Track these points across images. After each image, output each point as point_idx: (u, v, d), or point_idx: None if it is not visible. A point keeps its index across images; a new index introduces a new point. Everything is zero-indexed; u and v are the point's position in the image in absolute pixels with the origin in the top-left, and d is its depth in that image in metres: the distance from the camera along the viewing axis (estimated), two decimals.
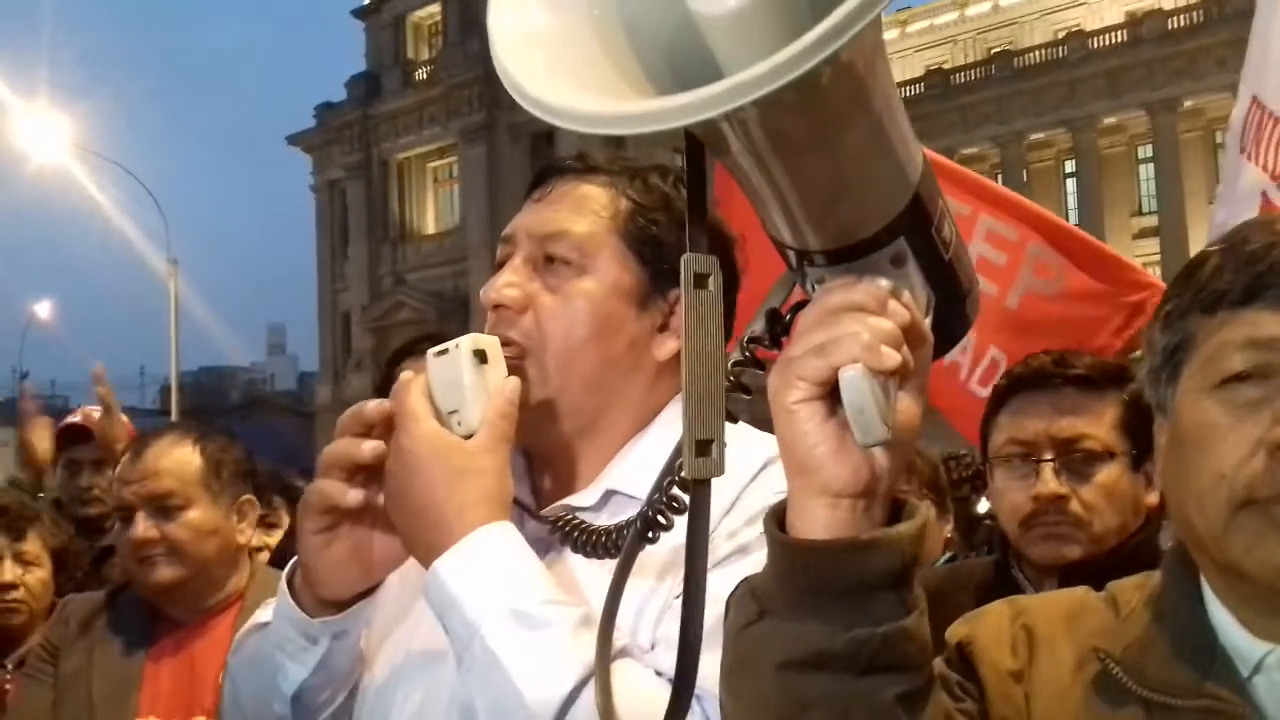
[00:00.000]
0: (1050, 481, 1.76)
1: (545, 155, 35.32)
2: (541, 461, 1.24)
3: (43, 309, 36.35)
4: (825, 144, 0.71)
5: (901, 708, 0.74)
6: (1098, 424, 1.78)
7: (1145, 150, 34.97)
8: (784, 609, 0.75)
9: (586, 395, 1.20)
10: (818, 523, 0.74)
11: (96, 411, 3.53)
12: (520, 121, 35.94)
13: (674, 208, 1.23)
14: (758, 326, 0.83)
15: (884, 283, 0.74)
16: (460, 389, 1.11)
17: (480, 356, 1.12)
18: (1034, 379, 1.83)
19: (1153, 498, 1.80)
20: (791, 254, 0.79)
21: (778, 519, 0.77)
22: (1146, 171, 35.05)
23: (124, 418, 3.53)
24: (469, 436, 1.10)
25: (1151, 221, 34.42)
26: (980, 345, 3.06)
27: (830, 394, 0.73)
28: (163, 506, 2.08)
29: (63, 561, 2.65)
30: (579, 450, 1.22)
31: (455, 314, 35.39)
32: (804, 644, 0.73)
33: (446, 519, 1.07)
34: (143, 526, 2.07)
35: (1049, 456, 1.78)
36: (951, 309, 0.83)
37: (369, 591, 1.18)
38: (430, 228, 40.39)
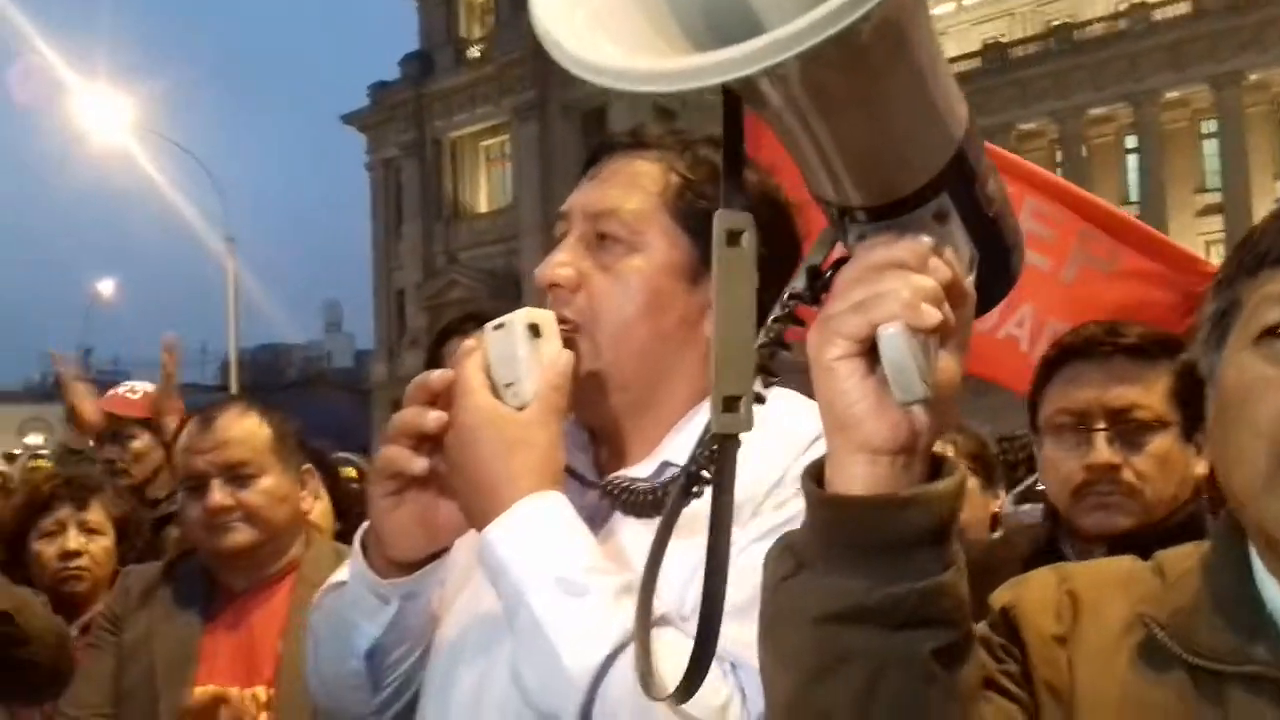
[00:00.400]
0: (1104, 451, 1.74)
1: (598, 133, 35.19)
2: (602, 435, 1.27)
3: (105, 287, 37.10)
4: (867, 99, 0.70)
5: (938, 662, 0.73)
6: (1150, 393, 1.76)
7: (1209, 125, 34.17)
8: (821, 563, 0.75)
9: (639, 370, 1.22)
10: (856, 479, 0.74)
11: (137, 388, 3.60)
12: (572, 99, 35.90)
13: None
14: (799, 284, 0.82)
15: (926, 239, 0.74)
16: (515, 362, 1.14)
17: (535, 330, 1.15)
18: (1084, 348, 1.82)
19: (1201, 468, 1.78)
20: (833, 210, 0.79)
21: (815, 475, 0.77)
22: (1210, 147, 34.23)
23: (177, 397, 3.55)
24: (523, 408, 1.13)
25: (1215, 198, 33.66)
26: (1038, 318, 3.05)
27: (869, 351, 0.73)
28: (237, 475, 2.12)
29: (124, 531, 2.70)
30: (635, 424, 1.24)
31: (507, 292, 35.52)
32: (841, 598, 0.73)
33: (498, 488, 1.11)
34: (219, 494, 2.10)
35: (1101, 426, 1.76)
36: (995, 266, 0.82)
37: (438, 554, 1.21)
38: (483, 206, 40.53)
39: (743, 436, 0.83)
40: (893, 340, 0.70)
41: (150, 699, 2.12)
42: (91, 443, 3.65)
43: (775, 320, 0.83)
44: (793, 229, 1.27)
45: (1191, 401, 1.72)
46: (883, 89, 0.70)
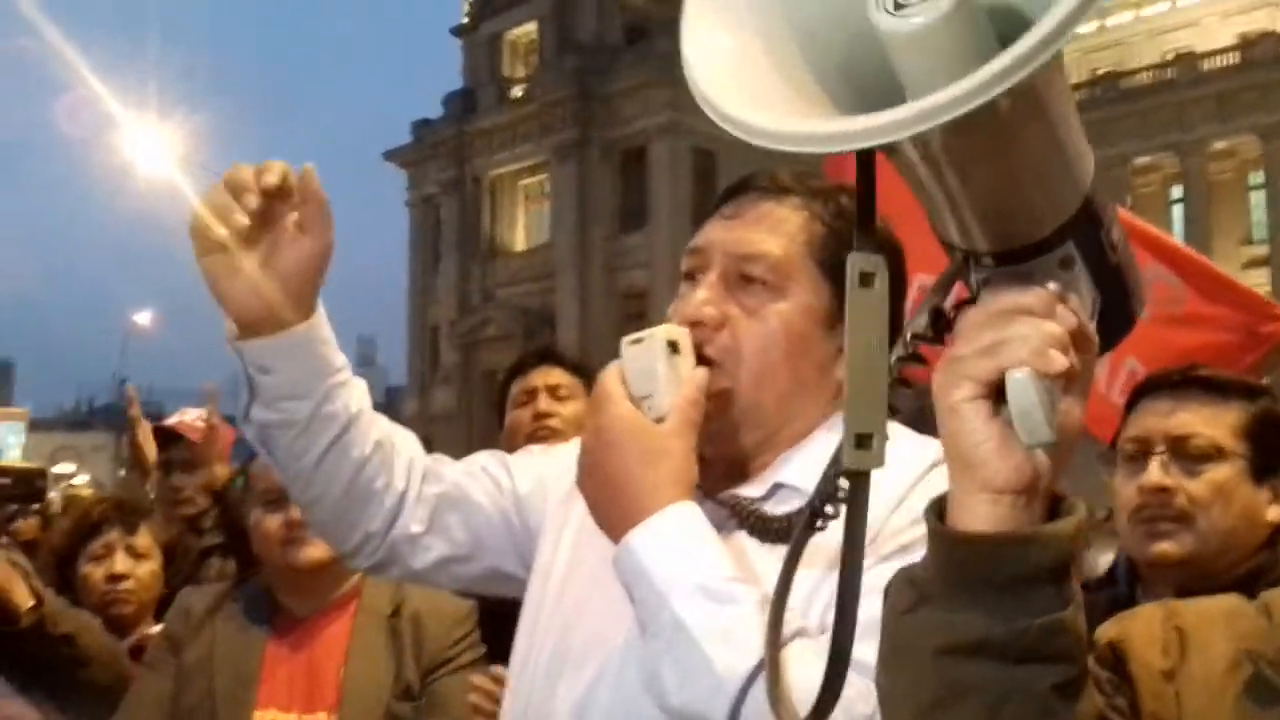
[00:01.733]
0: (1155, 473, 1.74)
1: (636, 173, 35.42)
2: (714, 457, 1.28)
3: (143, 317, 37.36)
4: (1002, 155, 0.73)
5: (1057, 697, 0.74)
6: (1215, 424, 1.75)
7: (1257, 176, 33.81)
8: (943, 598, 0.77)
9: (774, 411, 1.26)
10: (978, 517, 0.76)
11: (192, 415, 3.61)
12: (612, 139, 36.11)
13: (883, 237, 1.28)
14: (920, 322, 0.84)
15: (1052, 285, 0.76)
16: (654, 376, 1.19)
17: (673, 347, 1.20)
18: (1161, 381, 1.85)
19: (1275, 514, 1.75)
20: (958, 253, 0.80)
21: (938, 512, 0.79)
22: (1257, 198, 33.87)
23: (226, 427, 3.59)
24: (658, 421, 1.17)
25: (1263, 250, 33.23)
26: (1116, 357, 3.04)
27: (995, 393, 0.74)
28: None
29: (171, 556, 2.74)
30: (752, 457, 1.28)
31: (541, 330, 35.52)
32: (962, 632, 0.75)
33: (639, 495, 1.15)
34: (297, 509, 2.10)
35: (1160, 450, 1.76)
36: (1117, 310, 0.84)
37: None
38: (520, 244, 40.67)
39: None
40: (1021, 385, 0.72)
41: (208, 719, 2.12)
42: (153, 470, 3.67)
43: (898, 360, 0.85)
44: (903, 272, 1.29)
45: (1268, 444, 1.74)
46: (1017, 145, 0.72)
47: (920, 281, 1.75)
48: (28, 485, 2.43)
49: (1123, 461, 1.83)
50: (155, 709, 2.19)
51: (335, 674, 2.14)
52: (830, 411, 1.27)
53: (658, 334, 1.20)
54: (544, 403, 2.72)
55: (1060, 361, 0.73)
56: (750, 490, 1.24)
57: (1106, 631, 0.99)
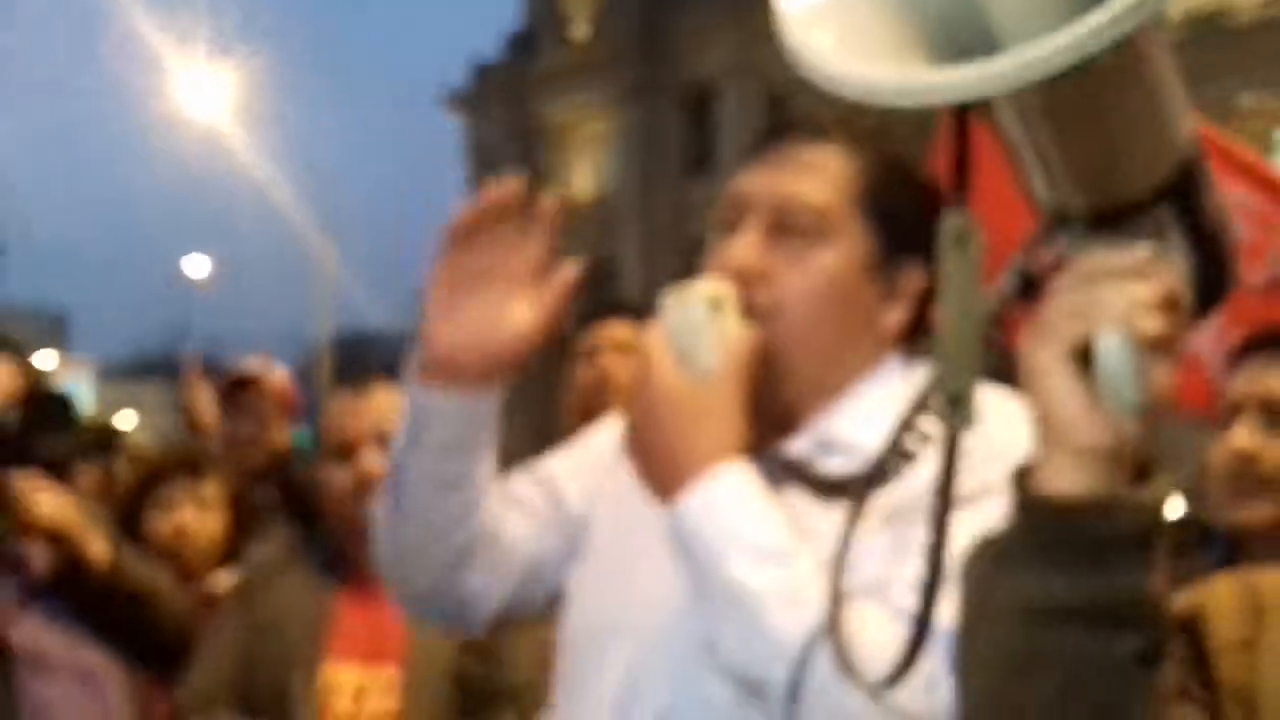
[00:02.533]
0: (1241, 436, 1.74)
1: (703, 118, 34.43)
2: (757, 411, 1.24)
3: (199, 267, 36.88)
4: (1098, 112, 0.71)
5: (1137, 664, 0.74)
6: None
7: None
8: (1024, 562, 0.76)
9: (818, 362, 1.23)
10: (1064, 480, 0.75)
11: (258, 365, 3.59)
12: (678, 82, 35.26)
13: (907, 176, 1.26)
14: (1009, 284, 0.84)
15: (1145, 249, 0.75)
16: (698, 334, 1.16)
17: (715, 304, 1.17)
18: (1254, 341, 1.84)
19: None
20: (1049, 211, 0.80)
21: (1022, 475, 0.79)
22: None
23: (287, 379, 3.61)
24: (705, 380, 1.15)
25: None
26: (1223, 332, 2.81)
27: (1083, 356, 0.74)
28: (388, 443, 2.08)
29: (238, 508, 2.77)
30: (798, 411, 1.25)
31: (604, 280, 34.82)
32: (1043, 596, 0.74)
33: (690, 458, 1.13)
34: (369, 460, 2.15)
35: (1249, 414, 1.75)
36: (1212, 277, 0.82)
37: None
38: (582, 192, 39.78)
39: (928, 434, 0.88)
40: (1110, 349, 0.72)
41: (282, 673, 2.14)
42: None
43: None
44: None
45: None
46: (1114, 103, 0.71)
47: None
48: (102, 438, 2.56)
49: (1220, 428, 1.84)
50: (228, 662, 2.23)
51: (402, 628, 2.14)
52: (876, 358, 1.26)
53: (702, 290, 1.18)
54: (608, 360, 2.67)
55: (1151, 325, 0.72)
56: (798, 445, 1.23)
57: (1183, 602, 0.98)
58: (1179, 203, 0.77)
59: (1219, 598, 0.99)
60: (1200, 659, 0.95)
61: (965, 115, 0.79)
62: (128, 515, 2.70)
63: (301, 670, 2.13)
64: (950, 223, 0.78)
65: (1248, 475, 1.72)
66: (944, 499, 0.83)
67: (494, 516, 1.32)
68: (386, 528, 1.36)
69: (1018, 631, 0.75)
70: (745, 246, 1.22)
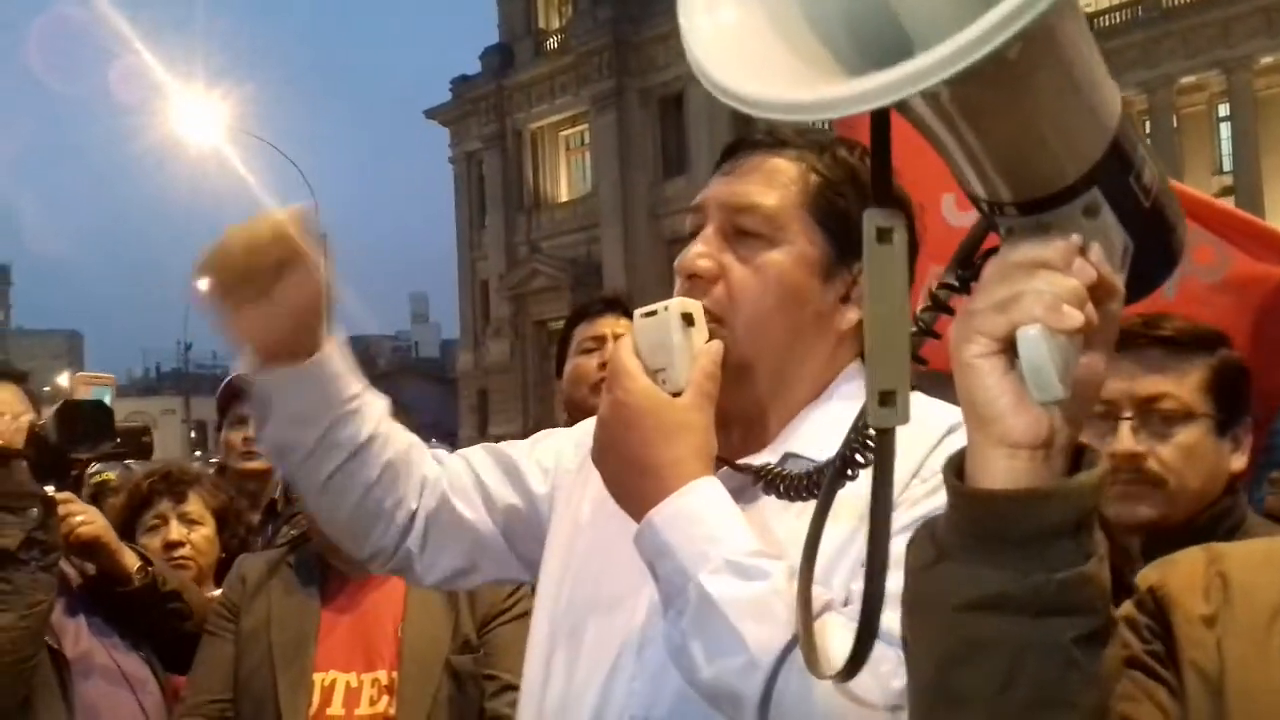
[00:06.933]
0: (1126, 439, 1.72)
1: (675, 120, 35.20)
2: (725, 421, 1.27)
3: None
4: (1017, 102, 0.70)
5: (1079, 647, 0.74)
6: (1180, 384, 1.74)
7: None
8: (961, 554, 0.76)
9: (774, 362, 1.26)
10: (996, 472, 0.75)
11: None
12: (649, 86, 35.80)
13: (860, 181, 1.26)
14: (949, 274, 0.83)
15: (1074, 237, 0.74)
16: (668, 349, 1.18)
17: (687, 320, 1.19)
18: (1121, 340, 1.69)
19: (1237, 464, 1.77)
20: (983, 204, 0.79)
21: (956, 468, 0.78)
22: None
23: None
24: (675, 395, 1.16)
25: None
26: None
27: (1010, 348, 0.73)
28: None
29: (224, 520, 2.82)
30: (760, 414, 1.28)
31: (589, 280, 35.73)
32: (980, 588, 0.75)
33: (660, 471, 1.13)
34: None
35: (1128, 415, 1.74)
36: (1152, 255, 0.82)
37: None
38: (563, 195, 40.68)
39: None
40: (1032, 341, 0.71)
41: (269, 682, 2.18)
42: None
43: (924, 310, 0.85)
44: (914, 230, 1.29)
45: (1228, 396, 1.74)
46: (1032, 92, 0.70)
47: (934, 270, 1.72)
48: (136, 442, 2.46)
49: (1088, 423, 1.74)
50: (220, 674, 2.25)
51: (393, 632, 2.18)
52: (836, 369, 1.28)
53: (672, 306, 1.19)
54: (606, 355, 2.65)
55: (1074, 317, 0.71)
56: (761, 459, 1.24)
57: (1147, 577, 0.98)
58: (1110, 184, 0.75)
59: (1183, 572, 0.97)
60: (1163, 635, 0.93)
61: (884, 119, 0.79)
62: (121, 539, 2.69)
63: (290, 677, 2.16)
64: (871, 220, 0.79)
65: (1135, 476, 1.72)
66: (879, 496, 0.83)
67: (392, 466, 1.38)
68: (309, 507, 1.50)
69: (958, 623, 0.75)
70: (700, 250, 1.26)
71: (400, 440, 1.41)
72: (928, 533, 0.80)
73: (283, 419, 1.34)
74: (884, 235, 0.79)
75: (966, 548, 0.76)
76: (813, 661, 0.91)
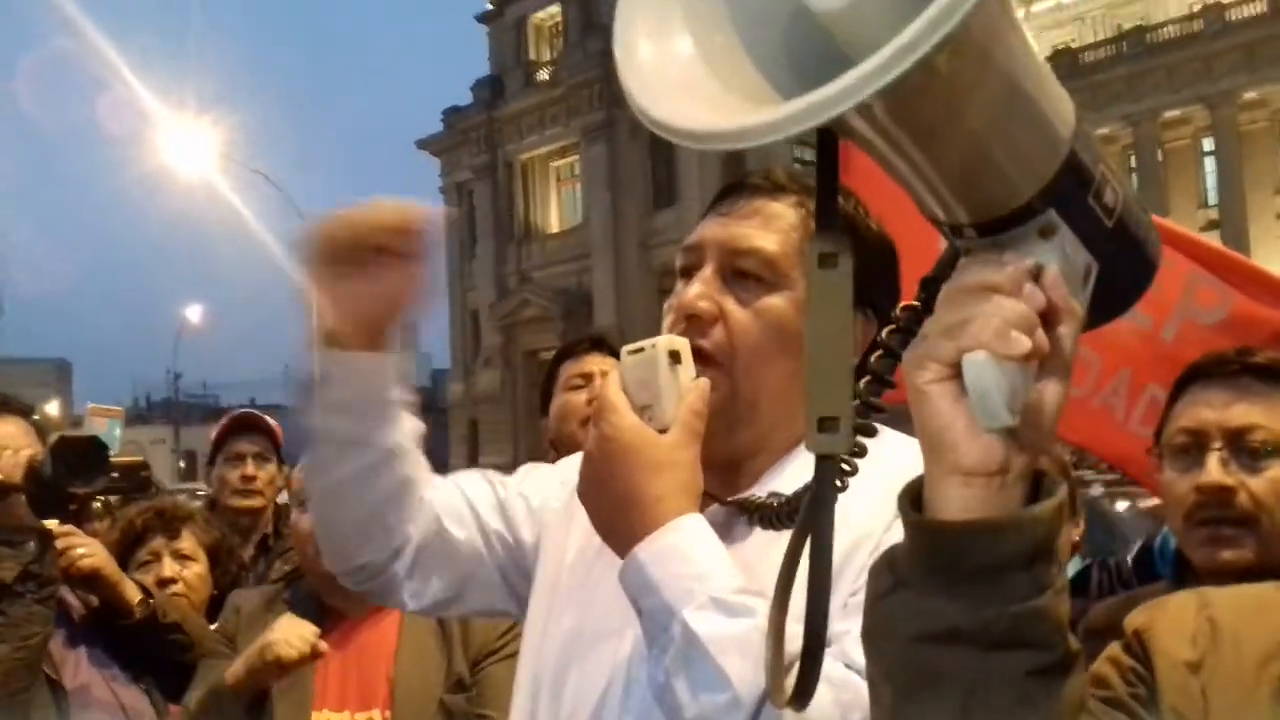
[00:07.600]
0: (1215, 471, 1.63)
1: (665, 151, 35.46)
2: (710, 463, 1.25)
3: (193, 313, 37.90)
4: (956, 119, 0.69)
5: (1034, 682, 0.72)
6: (1273, 415, 1.65)
7: None
8: (917, 583, 0.75)
9: (770, 406, 1.26)
10: (951, 501, 0.73)
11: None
12: (638, 120, 35.98)
13: (858, 227, 1.27)
14: (919, 299, 0.82)
15: (1027, 260, 0.72)
16: (655, 386, 1.17)
17: (674, 357, 1.18)
18: (1211, 367, 1.72)
19: None
20: (945, 228, 0.77)
21: (913, 497, 0.77)
22: None
23: (271, 421, 3.64)
24: (661, 432, 1.16)
25: None
26: (1135, 383, 2.80)
27: (961, 374, 0.71)
28: None
29: (216, 557, 2.83)
30: (752, 455, 1.28)
31: (579, 310, 35.89)
32: (935, 619, 0.73)
33: (645, 507, 1.13)
34: None
35: (1217, 445, 1.65)
36: (1122, 274, 0.80)
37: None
38: (554, 226, 40.79)
39: (860, 472, 0.87)
40: (977, 367, 0.70)
41: (266, 716, 2.16)
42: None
43: (889, 333, 0.83)
44: (892, 263, 1.31)
45: None
46: (971, 106, 0.69)
47: None
48: (133, 477, 2.49)
49: (1172, 455, 1.71)
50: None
51: (386, 672, 2.18)
52: None
53: (659, 344, 1.19)
54: (593, 392, 2.66)
55: (1021, 343, 0.69)
56: (748, 494, 1.25)
57: (1134, 620, 0.96)
58: (1067, 203, 0.73)
59: (1171, 617, 0.95)
60: (1146, 679, 0.92)
61: (828, 144, 0.78)
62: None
63: (286, 712, 2.16)
64: (815, 245, 0.78)
65: (1225, 513, 1.63)
66: (817, 521, 0.81)
67: (408, 484, 1.38)
68: (310, 495, 1.48)
69: (913, 653, 0.74)
70: (699, 290, 1.25)
71: (421, 463, 1.41)
72: (886, 561, 0.79)
73: (331, 403, 1.34)
74: (826, 260, 0.78)
75: (921, 578, 0.75)
76: (776, 688, 0.89)
